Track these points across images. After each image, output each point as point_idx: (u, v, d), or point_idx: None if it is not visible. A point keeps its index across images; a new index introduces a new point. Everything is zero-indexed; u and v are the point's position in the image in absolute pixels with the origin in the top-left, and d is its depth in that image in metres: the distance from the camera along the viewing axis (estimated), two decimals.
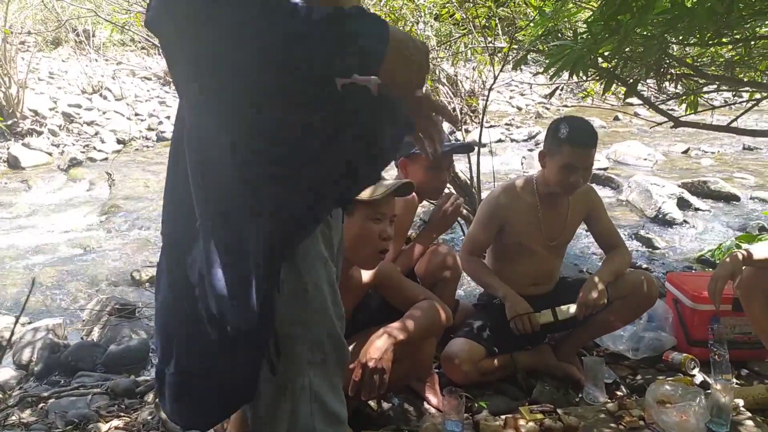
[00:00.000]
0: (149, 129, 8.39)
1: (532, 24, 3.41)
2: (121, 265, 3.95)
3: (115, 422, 2.14)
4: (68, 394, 2.29)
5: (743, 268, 2.03)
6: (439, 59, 5.73)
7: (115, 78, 9.81)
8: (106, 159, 7.01)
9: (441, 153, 2.22)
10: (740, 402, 2.05)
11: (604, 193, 5.53)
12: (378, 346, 1.71)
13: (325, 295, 1.04)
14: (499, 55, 3.95)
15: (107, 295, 3.40)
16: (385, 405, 2.08)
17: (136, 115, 8.76)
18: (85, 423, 2.08)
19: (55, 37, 11.21)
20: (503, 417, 1.95)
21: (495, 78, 3.46)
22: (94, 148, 7.42)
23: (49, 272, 3.83)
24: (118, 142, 7.81)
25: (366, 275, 1.90)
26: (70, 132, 7.91)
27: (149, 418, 2.14)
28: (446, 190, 2.50)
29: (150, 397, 2.30)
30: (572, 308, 2.22)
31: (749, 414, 1.99)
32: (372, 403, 2.05)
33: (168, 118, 8.59)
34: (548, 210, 2.31)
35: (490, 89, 3.54)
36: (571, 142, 2.13)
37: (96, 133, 7.96)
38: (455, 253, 2.31)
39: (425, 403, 2.13)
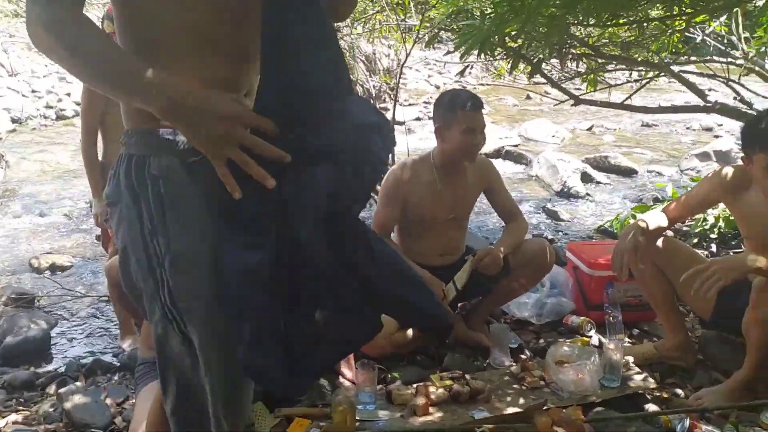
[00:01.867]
0: (47, 107, 7.82)
1: (443, 2, 3.46)
2: (19, 252, 3.71)
3: (13, 417, 2.03)
4: None
5: (640, 239, 2.18)
6: (355, 36, 5.70)
7: (7, 52, 9.04)
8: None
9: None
10: (630, 359, 2.22)
11: (515, 168, 5.75)
12: None
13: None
14: (412, 33, 3.98)
15: (2, 285, 3.19)
16: None
17: (33, 92, 8.14)
18: None
19: None
20: (415, 386, 2.01)
21: (407, 55, 3.50)
22: None
23: None
24: (13, 121, 7.24)
25: None
26: None
27: (51, 410, 2.05)
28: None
29: (52, 388, 2.20)
30: (466, 270, 2.30)
31: (638, 369, 2.17)
32: None
33: (69, 95, 8.05)
34: (446, 184, 2.39)
35: (402, 66, 3.57)
36: (464, 108, 2.25)
37: None
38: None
39: (340, 378, 2.16)
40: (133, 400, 2.03)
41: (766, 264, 1.82)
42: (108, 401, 2.09)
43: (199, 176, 1.00)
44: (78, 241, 3.87)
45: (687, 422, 1.84)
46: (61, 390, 2.09)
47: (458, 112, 2.25)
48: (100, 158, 2.63)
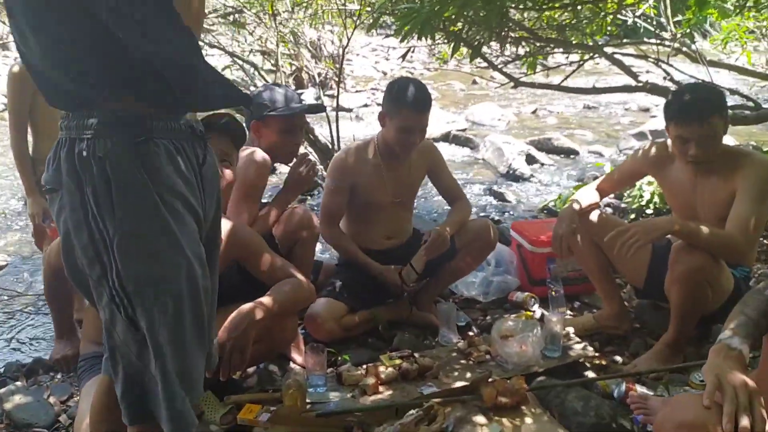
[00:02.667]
0: None
1: None
2: None
3: None
4: None
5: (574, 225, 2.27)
6: (298, 21, 5.63)
7: None
8: None
9: (293, 114, 2.22)
10: (571, 330, 2.32)
11: (462, 152, 5.84)
12: (236, 324, 1.69)
13: None
14: (354, 17, 3.97)
15: None
16: (251, 369, 2.09)
17: None
18: None
19: None
20: (365, 366, 2.04)
21: (348, 40, 3.49)
22: None
23: None
24: None
25: (228, 243, 1.86)
26: None
27: None
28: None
29: None
30: (422, 255, 2.34)
31: (578, 339, 2.26)
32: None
33: None
34: (391, 168, 2.42)
35: (344, 51, 3.56)
36: (408, 107, 2.24)
37: None
38: (311, 213, 2.34)
39: (290, 363, 2.17)
40: (78, 397, 1.99)
41: (681, 226, 1.94)
42: (51, 400, 2.04)
43: (145, 157, 0.99)
44: (13, 240, 3.72)
45: (623, 386, 1.94)
46: (1, 390, 2.03)
47: (401, 109, 2.24)
48: (31, 153, 2.52)
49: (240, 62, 4.47)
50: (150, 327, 1.03)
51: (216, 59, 6.84)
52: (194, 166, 1.11)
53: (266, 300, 1.80)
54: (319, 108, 2.78)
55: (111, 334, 1.07)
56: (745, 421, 1.04)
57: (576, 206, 2.27)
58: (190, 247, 1.06)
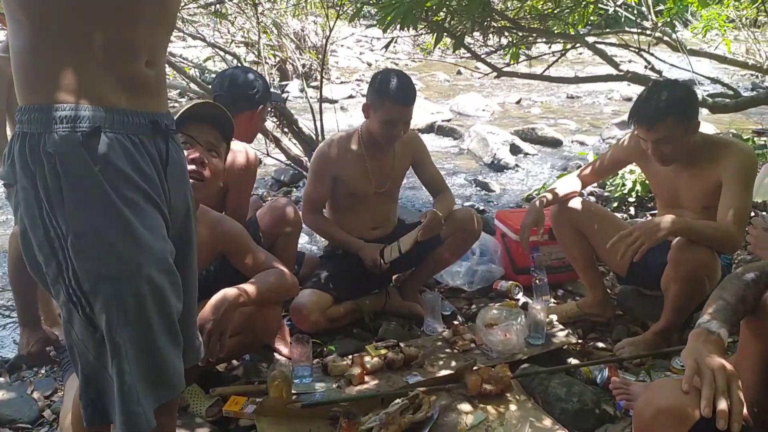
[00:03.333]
0: None
1: None
2: None
3: None
4: None
5: (544, 210, 2.30)
6: (281, 11, 5.58)
7: None
8: None
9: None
10: (555, 317, 2.35)
11: (447, 143, 5.84)
12: (215, 307, 1.69)
13: None
14: (337, 7, 3.94)
15: None
16: (235, 362, 2.09)
17: None
18: None
19: None
20: (350, 357, 2.05)
21: (330, 30, 3.47)
22: None
23: None
24: None
25: (213, 236, 1.85)
26: None
27: None
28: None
29: None
30: (412, 235, 2.32)
31: (561, 326, 2.29)
32: (219, 367, 2.04)
33: None
34: (375, 159, 2.42)
35: (327, 41, 3.54)
36: (392, 100, 2.23)
37: None
38: (294, 206, 2.33)
39: (276, 354, 2.17)
40: (62, 392, 1.97)
41: (683, 225, 1.96)
42: (35, 395, 2.02)
43: (94, 152, 0.98)
44: None
45: (606, 372, 1.97)
46: None
47: (385, 102, 2.24)
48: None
49: (222, 53, 4.42)
50: (108, 326, 1.00)
51: (197, 51, 6.78)
52: (156, 161, 1.08)
53: (249, 287, 1.79)
54: (275, 97, 2.77)
55: (69, 332, 1.05)
56: (723, 405, 1.05)
57: (543, 199, 2.31)
58: (152, 242, 1.03)
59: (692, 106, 2.03)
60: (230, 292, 1.74)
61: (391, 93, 2.23)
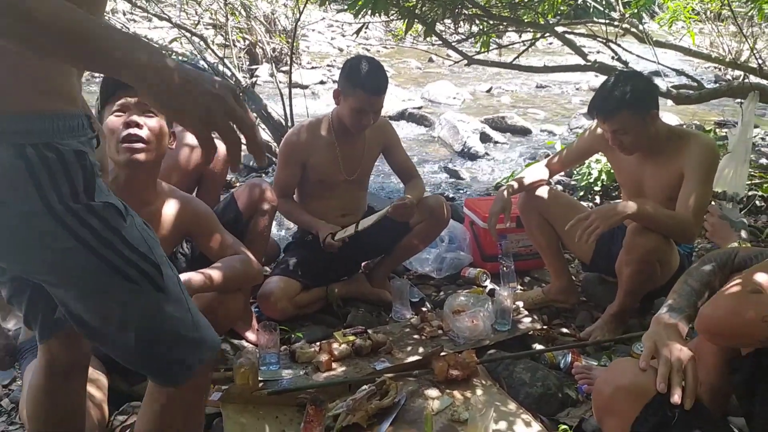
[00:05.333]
0: None
1: None
2: None
3: None
4: None
5: (512, 197, 2.33)
6: None
7: None
8: None
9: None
10: (521, 304, 2.38)
11: (418, 130, 5.85)
12: None
13: None
14: None
15: None
16: None
17: None
18: None
19: None
20: (318, 343, 2.04)
21: (300, 13, 3.42)
22: None
23: None
24: None
25: (181, 215, 1.81)
26: None
27: None
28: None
29: None
30: (374, 217, 2.30)
31: (527, 313, 2.32)
32: None
33: None
34: (345, 146, 2.40)
35: (297, 25, 3.49)
36: (364, 89, 2.21)
37: None
38: (270, 185, 2.27)
39: (243, 341, 2.16)
40: (20, 381, 1.92)
41: (637, 210, 2.00)
42: None
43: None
44: None
45: (569, 357, 2.01)
46: None
47: (356, 90, 2.21)
48: None
49: (188, 36, 4.31)
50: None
51: (163, 32, 6.61)
52: None
53: (213, 272, 1.76)
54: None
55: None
56: (677, 380, 1.09)
57: (509, 188, 2.34)
58: None
59: (650, 98, 2.07)
60: (195, 277, 1.71)
61: (362, 82, 2.21)
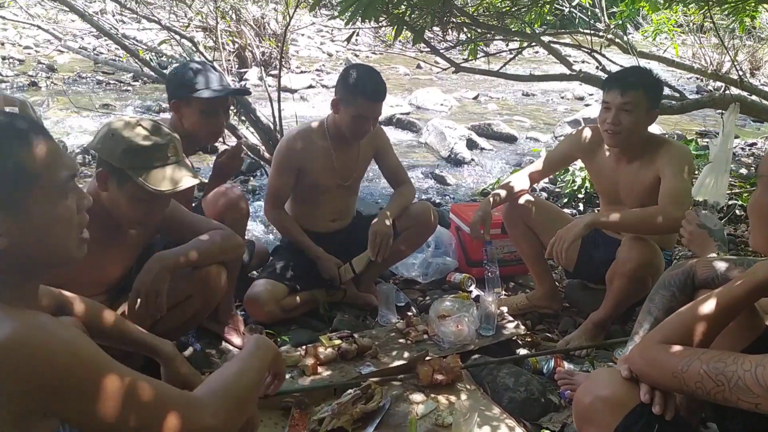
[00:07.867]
0: None
1: None
2: None
3: None
4: None
5: (492, 209, 2.37)
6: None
7: None
8: None
9: (216, 97, 2.14)
10: (505, 309, 2.41)
11: (406, 136, 5.88)
12: (149, 269, 1.66)
13: None
14: None
15: None
16: (187, 352, 2.07)
17: None
18: None
19: None
20: (304, 347, 2.05)
21: (290, 18, 3.44)
22: None
23: None
24: None
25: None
26: None
27: None
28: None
29: None
30: (364, 256, 2.39)
31: (511, 318, 2.35)
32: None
33: None
34: (340, 152, 2.42)
35: (287, 29, 3.51)
36: (364, 96, 2.23)
37: None
38: (240, 193, 2.20)
39: (228, 345, 2.16)
40: None
41: (598, 221, 2.06)
42: None
43: None
44: None
45: (552, 363, 2.04)
46: None
47: (358, 98, 2.23)
48: None
49: (178, 38, 4.31)
50: None
51: (152, 33, 6.58)
52: None
53: (189, 246, 1.74)
54: (244, 91, 2.75)
55: None
56: (659, 392, 1.12)
57: (500, 194, 2.38)
58: None
59: (660, 95, 2.18)
60: (164, 253, 1.70)
61: (363, 90, 2.23)
